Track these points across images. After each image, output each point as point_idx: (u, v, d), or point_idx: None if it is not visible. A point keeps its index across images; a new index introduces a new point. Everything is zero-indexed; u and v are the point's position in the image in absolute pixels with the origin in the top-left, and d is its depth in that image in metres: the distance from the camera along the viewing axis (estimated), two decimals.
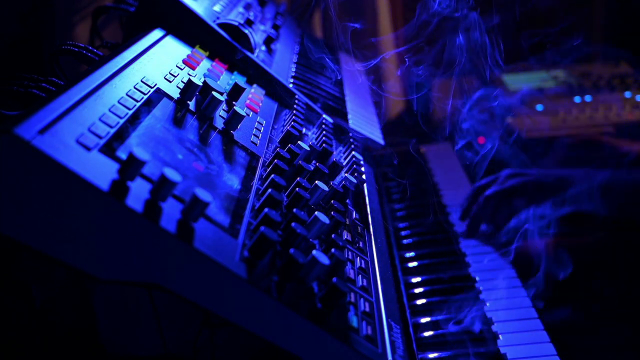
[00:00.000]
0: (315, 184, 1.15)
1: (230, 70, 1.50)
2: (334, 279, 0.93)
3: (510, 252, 1.51)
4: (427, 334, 1.27)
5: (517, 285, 1.42)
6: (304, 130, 1.42)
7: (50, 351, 1.23)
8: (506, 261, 1.50)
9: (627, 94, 2.37)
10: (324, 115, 1.56)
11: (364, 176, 1.35)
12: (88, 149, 0.84)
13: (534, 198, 1.45)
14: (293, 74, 1.79)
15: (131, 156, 0.84)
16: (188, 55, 1.37)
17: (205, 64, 1.41)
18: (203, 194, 0.86)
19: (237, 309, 0.87)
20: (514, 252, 1.49)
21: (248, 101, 1.41)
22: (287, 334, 0.88)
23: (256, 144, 1.27)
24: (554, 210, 1.37)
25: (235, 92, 1.32)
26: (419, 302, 1.37)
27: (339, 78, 2.06)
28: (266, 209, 0.96)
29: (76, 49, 1.30)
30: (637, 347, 1.48)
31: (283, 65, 1.79)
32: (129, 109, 1.00)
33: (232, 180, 1.07)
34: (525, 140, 2.21)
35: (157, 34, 1.35)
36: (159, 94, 1.13)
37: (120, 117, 0.96)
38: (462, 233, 1.61)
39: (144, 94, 1.08)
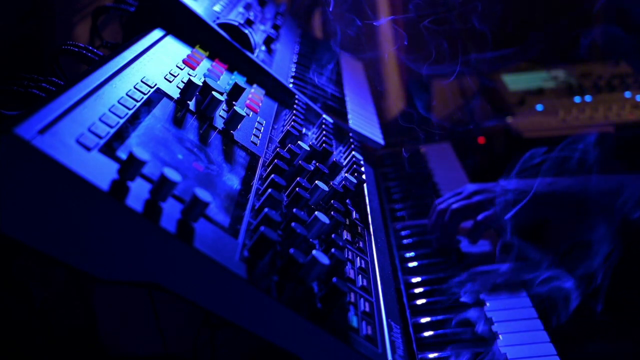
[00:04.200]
0: (315, 184, 1.15)
1: (230, 70, 1.50)
2: (334, 279, 0.93)
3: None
4: (427, 334, 1.27)
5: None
6: (304, 130, 1.42)
7: (50, 351, 1.23)
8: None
9: (627, 94, 2.37)
10: (324, 115, 1.56)
11: (364, 176, 1.35)
12: (88, 149, 0.84)
13: (502, 213, 1.46)
14: (293, 74, 1.79)
15: (131, 156, 0.84)
16: (188, 55, 1.37)
17: (205, 64, 1.41)
18: (203, 194, 0.86)
19: (237, 309, 0.87)
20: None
21: (248, 101, 1.42)
22: (287, 334, 0.88)
23: (256, 144, 1.27)
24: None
25: (235, 92, 1.33)
26: (419, 302, 1.37)
27: (338, 78, 2.06)
28: (266, 209, 0.96)
29: (76, 49, 1.30)
30: (637, 346, 1.48)
31: (283, 65, 1.79)
32: (129, 109, 1.00)
33: (232, 180, 1.07)
34: (525, 140, 2.22)
35: (157, 34, 1.35)
36: (159, 94, 1.13)
37: (120, 117, 0.96)
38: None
39: (144, 94, 1.08)
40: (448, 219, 1.52)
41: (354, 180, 1.28)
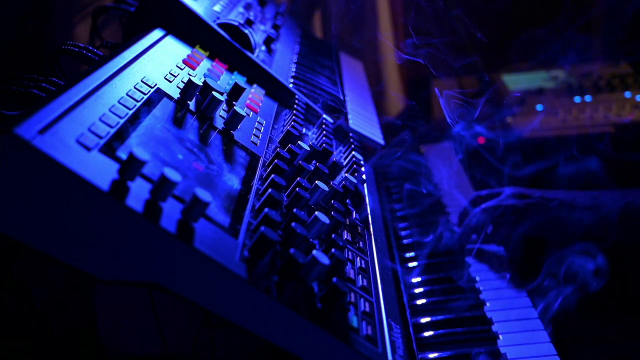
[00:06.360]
0: (315, 184, 1.15)
1: (230, 70, 1.50)
2: (334, 279, 0.93)
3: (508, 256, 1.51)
4: (427, 334, 1.27)
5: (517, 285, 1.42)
6: (304, 130, 1.42)
7: (50, 351, 1.23)
8: (505, 262, 1.50)
9: (627, 94, 2.37)
10: (324, 115, 1.56)
11: (364, 176, 1.35)
12: (88, 149, 0.84)
13: (534, 222, 1.45)
14: (293, 74, 1.79)
15: (131, 156, 0.84)
16: (188, 55, 1.37)
17: (205, 64, 1.41)
18: (203, 194, 0.86)
19: (237, 309, 0.87)
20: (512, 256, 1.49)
21: (248, 101, 1.41)
22: (287, 334, 0.88)
23: (256, 144, 1.27)
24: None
25: (235, 92, 1.33)
26: (419, 302, 1.37)
27: (339, 78, 2.06)
28: (266, 209, 0.96)
29: (76, 49, 1.30)
30: (637, 345, 1.49)
31: (283, 65, 1.79)
32: (129, 109, 1.00)
33: (232, 180, 1.07)
34: (524, 140, 2.22)
35: (157, 34, 1.35)
36: (159, 94, 1.13)
37: (121, 117, 0.96)
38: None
39: (144, 94, 1.08)
40: (477, 220, 1.52)
41: (354, 180, 1.28)
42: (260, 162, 1.22)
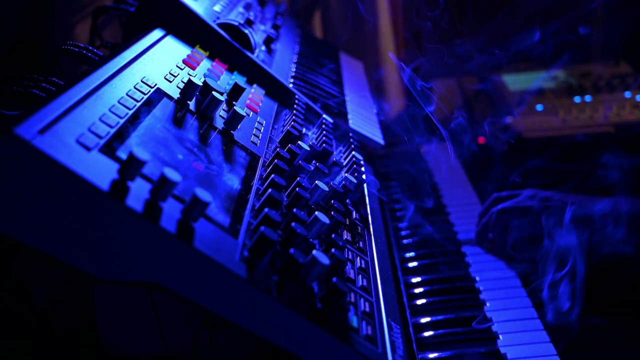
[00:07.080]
0: (315, 184, 1.15)
1: (230, 70, 1.50)
2: (334, 279, 0.93)
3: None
4: (427, 334, 1.27)
5: (517, 285, 1.42)
6: (304, 130, 1.42)
7: (50, 351, 1.23)
8: (505, 262, 1.50)
9: (627, 94, 2.37)
10: (324, 115, 1.56)
11: (364, 176, 1.35)
12: (88, 149, 0.84)
13: (552, 225, 1.44)
14: (293, 74, 1.79)
15: (131, 156, 0.84)
16: (188, 55, 1.37)
17: (205, 64, 1.41)
18: (203, 194, 0.86)
19: (237, 309, 0.87)
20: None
21: (248, 101, 1.41)
22: (287, 334, 0.88)
23: (256, 144, 1.27)
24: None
25: (235, 92, 1.33)
26: (419, 302, 1.37)
27: (339, 78, 2.06)
28: (266, 209, 0.96)
29: (76, 49, 1.30)
30: (636, 346, 1.49)
31: (283, 65, 1.79)
32: (129, 109, 1.00)
33: (232, 180, 1.07)
34: (525, 140, 2.22)
35: (157, 34, 1.35)
36: (159, 94, 1.13)
37: (121, 117, 0.96)
38: (466, 240, 1.60)
39: (144, 94, 1.08)
40: (494, 219, 1.52)
41: (354, 180, 1.28)
42: (260, 162, 1.22)
